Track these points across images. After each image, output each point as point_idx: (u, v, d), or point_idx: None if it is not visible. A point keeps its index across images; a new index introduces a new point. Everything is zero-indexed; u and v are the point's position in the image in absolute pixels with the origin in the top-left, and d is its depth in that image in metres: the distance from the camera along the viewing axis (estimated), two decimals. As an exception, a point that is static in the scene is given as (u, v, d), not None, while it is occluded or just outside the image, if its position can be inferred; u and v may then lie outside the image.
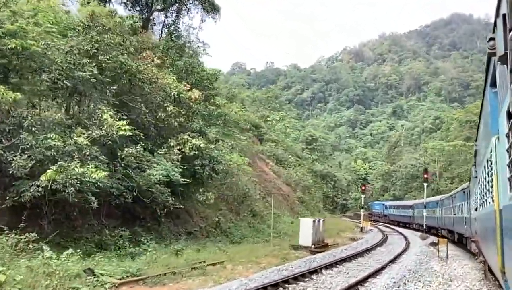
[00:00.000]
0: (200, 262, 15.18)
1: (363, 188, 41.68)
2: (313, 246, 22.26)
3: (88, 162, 14.33)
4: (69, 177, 13.26)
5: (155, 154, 18.25)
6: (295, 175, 50.63)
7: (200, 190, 20.89)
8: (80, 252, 12.33)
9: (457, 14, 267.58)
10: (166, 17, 34.01)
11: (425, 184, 35.98)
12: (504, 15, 3.71)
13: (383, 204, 71.99)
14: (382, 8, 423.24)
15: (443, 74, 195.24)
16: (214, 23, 47.10)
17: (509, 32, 3.42)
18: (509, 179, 4.20)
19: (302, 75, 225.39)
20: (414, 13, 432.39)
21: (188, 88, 21.49)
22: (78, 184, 13.54)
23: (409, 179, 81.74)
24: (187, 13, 35.43)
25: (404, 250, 23.28)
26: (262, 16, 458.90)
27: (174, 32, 31.78)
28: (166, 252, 16.19)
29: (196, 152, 19.60)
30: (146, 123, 18.93)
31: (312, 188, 55.55)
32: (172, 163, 18.33)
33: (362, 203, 43.93)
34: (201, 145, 19.58)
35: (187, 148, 19.22)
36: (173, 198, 18.47)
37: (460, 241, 23.80)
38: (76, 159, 13.87)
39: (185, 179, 18.47)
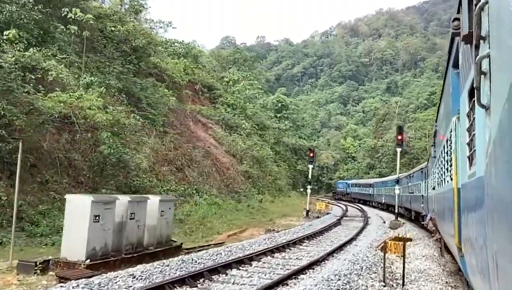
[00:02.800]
0: None
1: (311, 155, 29.99)
2: (88, 260, 9.99)
3: None
4: None
5: None
6: (242, 143, 39.30)
7: None
8: None
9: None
10: None
11: (399, 149, 25.34)
12: None
13: (346, 183, 73.36)
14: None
15: (440, 50, 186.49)
16: None
17: (475, 7, 3.18)
18: (468, 157, 4.21)
19: (294, 49, 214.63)
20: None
21: None
22: None
23: (396, 155, 71.15)
24: None
25: (316, 263, 11.43)
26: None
27: None
28: None
29: None
30: None
31: (266, 160, 44.20)
32: None
33: (310, 177, 31.97)
34: None
35: None
36: None
37: (417, 219, 23.89)
38: None
39: None
